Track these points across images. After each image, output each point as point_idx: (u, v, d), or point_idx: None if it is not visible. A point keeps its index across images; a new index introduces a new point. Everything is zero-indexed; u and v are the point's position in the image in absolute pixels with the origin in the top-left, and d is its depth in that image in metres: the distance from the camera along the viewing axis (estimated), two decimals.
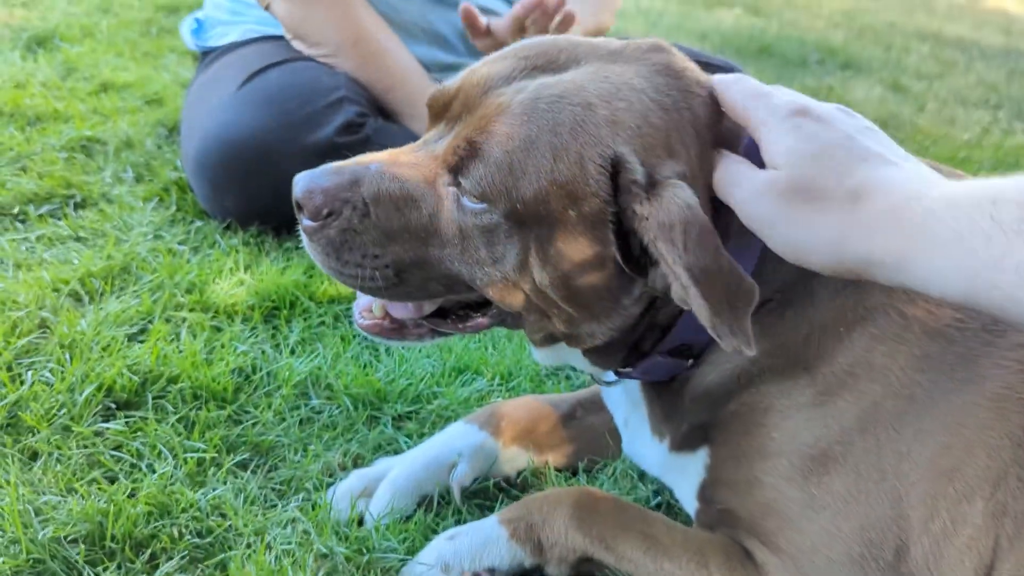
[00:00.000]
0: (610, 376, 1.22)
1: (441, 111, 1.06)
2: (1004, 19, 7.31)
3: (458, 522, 1.25)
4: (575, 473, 1.39)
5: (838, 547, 1.00)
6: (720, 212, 1.01)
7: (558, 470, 1.38)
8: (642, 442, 1.26)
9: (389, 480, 1.27)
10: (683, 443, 1.16)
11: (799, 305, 1.05)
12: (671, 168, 0.97)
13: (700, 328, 0.99)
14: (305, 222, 1.04)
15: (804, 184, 0.88)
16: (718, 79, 1.03)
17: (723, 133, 1.04)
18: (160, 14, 3.75)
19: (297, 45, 2.09)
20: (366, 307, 1.16)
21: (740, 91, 0.99)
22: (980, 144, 3.52)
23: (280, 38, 2.13)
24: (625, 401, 1.27)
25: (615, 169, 0.96)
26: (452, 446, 1.31)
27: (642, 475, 1.37)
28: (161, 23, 3.64)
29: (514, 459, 1.36)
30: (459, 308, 1.14)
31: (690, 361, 1.12)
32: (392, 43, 2.06)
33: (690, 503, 1.18)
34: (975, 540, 0.95)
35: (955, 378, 0.99)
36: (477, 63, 1.07)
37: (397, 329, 1.14)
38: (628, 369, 1.15)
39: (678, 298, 0.96)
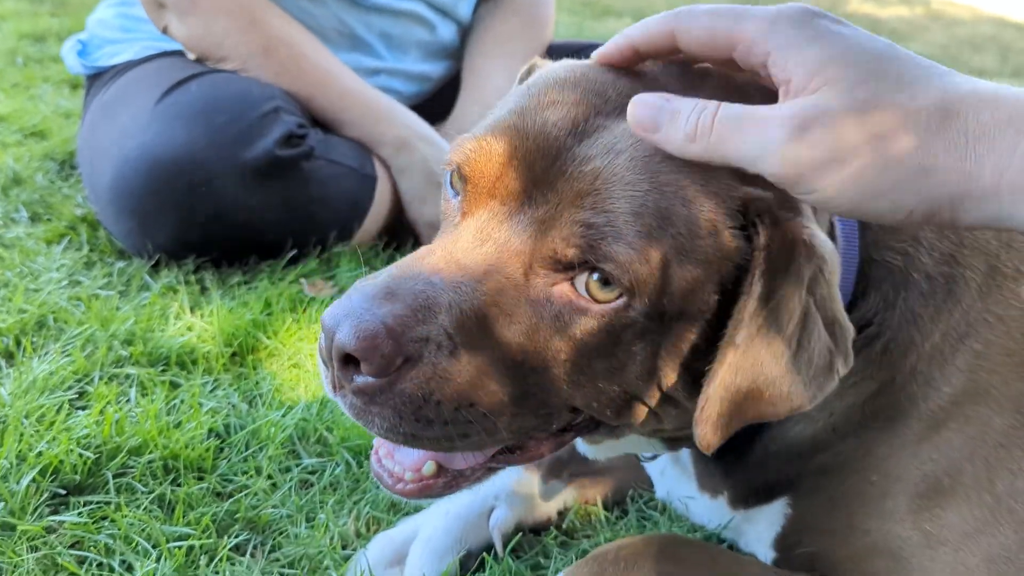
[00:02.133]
0: (652, 452, 1.04)
1: (489, 187, 0.79)
2: (869, 21, 7.63)
3: None
4: (625, 513, 1.20)
5: None
6: None
7: (605, 508, 1.19)
8: (685, 493, 1.10)
9: (421, 540, 1.07)
10: (752, 498, 1.01)
11: (903, 334, 0.90)
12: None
13: None
14: (361, 380, 0.73)
15: (866, 102, 0.65)
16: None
17: None
18: (24, 43, 3.38)
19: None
20: (412, 466, 0.85)
21: (710, 14, 0.73)
22: None
23: (184, 52, 1.89)
24: (662, 458, 1.11)
25: (745, 212, 0.77)
26: (486, 491, 1.11)
27: None
28: (27, 52, 3.27)
29: (554, 493, 1.18)
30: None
31: None
32: (308, 47, 1.86)
33: (763, 552, 1.02)
34: None
35: None
36: (506, 114, 0.81)
37: (450, 483, 0.87)
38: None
39: None
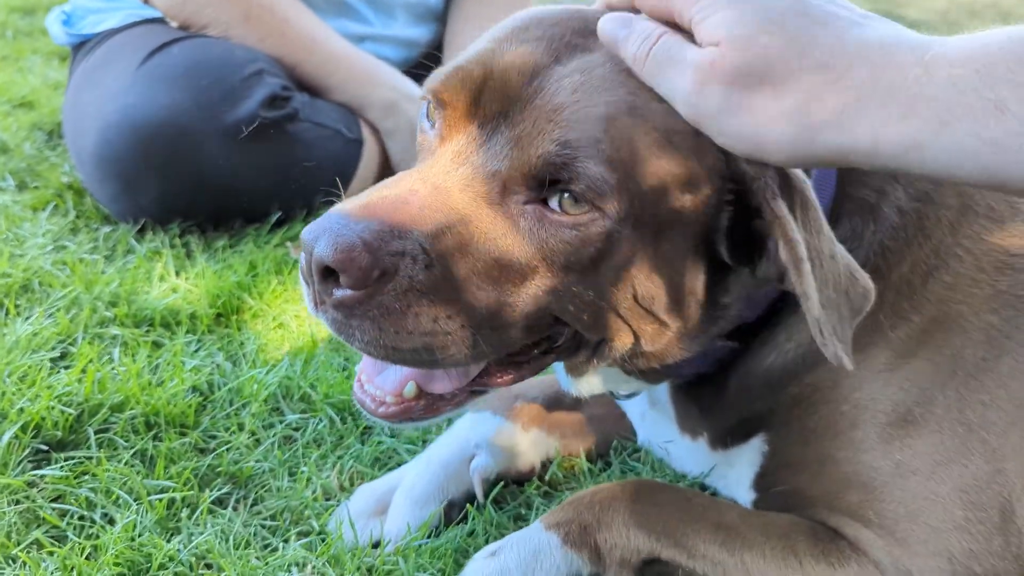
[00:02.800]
0: (632, 390, 1.05)
1: (466, 109, 0.81)
2: None
3: (494, 538, 1.05)
4: (609, 465, 1.21)
5: (938, 513, 0.88)
6: None
7: (588, 461, 1.20)
8: (665, 437, 1.11)
9: (404, 490, 1.07)
10: (730, 438, 1.02)
11: (869, 265, 0.91)
12: None
13: (754, 302, 0.90)
14: (340, 293, 0.75)
15: (755, 61, 0.70)
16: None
17: None
18: (14, 16, 3.36)
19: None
20: (393, 390, 0.86)
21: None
22: None
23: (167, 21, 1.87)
24: (642, 397, 1.11)
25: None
26: (467, 439, 1.12)
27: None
28: (17, 25, 3.26)
29: (537, 444, 1.18)
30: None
31: (738, 344, 0.96)
32: (292, 11, 1.84)
33: (743, 495, 1.03)
34: None
35: None
36: (483, 43, 0.84)
37: (431, 406, 0.87)
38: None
39: (791, 284, 0.79)
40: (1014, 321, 0.90)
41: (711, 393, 1.00)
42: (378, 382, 0.87)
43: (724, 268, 0.86)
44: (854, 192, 0.92)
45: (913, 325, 0.91)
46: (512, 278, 0.79)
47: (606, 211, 0.77)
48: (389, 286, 0.75)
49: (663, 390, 1.07)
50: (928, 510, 0.88)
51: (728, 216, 0.82)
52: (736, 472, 1.03)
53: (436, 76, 0.83)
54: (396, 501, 1.07)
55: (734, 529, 0.95)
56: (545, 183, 0.77)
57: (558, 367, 0.98)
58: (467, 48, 0.86)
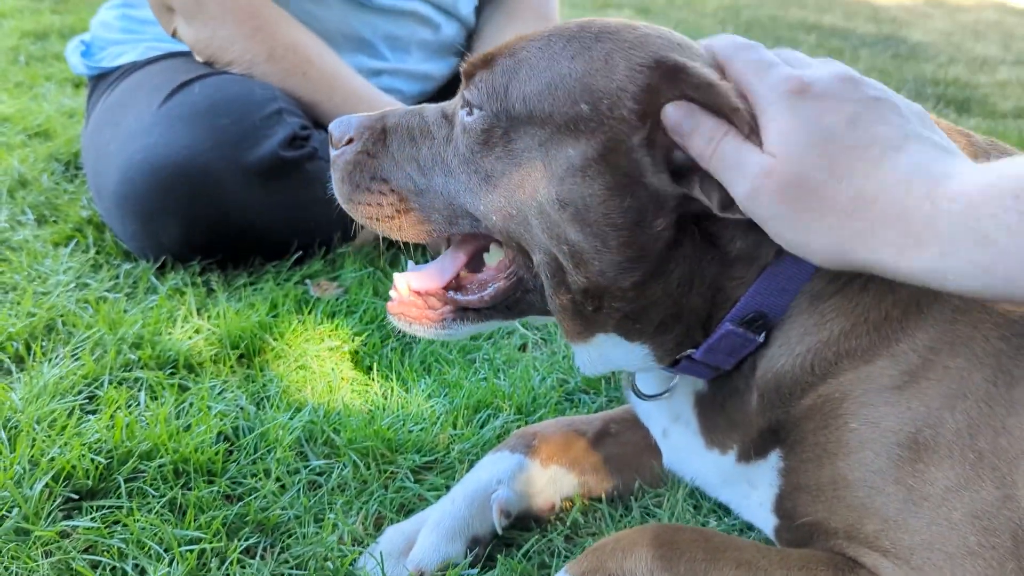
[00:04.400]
0: (655, 387, 1.10)
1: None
2: (869, 8, 7.61)
3: None
4: (629, 510, 1.22)
5: (953, 540, 0.89)
6: None
7: (609, 504, 1.21)
8: (690, 454, 1.12)
9: (430, 525, 1.10)
10: (751, 451, 1.03)
11: (882, 280, 0.93)
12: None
13: (779, 290, 0.95)
14: (331, 152, 1.08)
15: (800, 182, 0.81)
16: (719, 42, 0.93)
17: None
18: (26, 41, 3.39)
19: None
20: (399, 287, 1.09)
21: (744, 61, 0.89)
22: None
23: (188, 53, 1.90)
24: (663, 411, 1.14)
25: (654, 70, 0.90)
26: (489, 477, 1.15)
27: (699, 505, 1.22)
28: (29, 50, 3.29)
29: (557, 480, 1.20)
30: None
31: (761, 336, 0.98)
32: (314, 51, 1.86)
33: (765, 519, 1.05)
34: None
35: None
36: None
37: (418, 315, 1.07)
38: (690, 352, 1.00)
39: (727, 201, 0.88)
40: (982, 360, 0.91)
41: (734, 399, 1.03)
42: (397, 283, 1.09)
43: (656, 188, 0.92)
44: None
45: (919, 343, 0.93)
46: (438, 169, 1.02)
47: (491, 108, 0.96)
48: (351, 147, 1.06)
49: (686, 403, 1.09)
50: (943, 537, 0.89)
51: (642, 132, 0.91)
52: (759, 494, 1.04)
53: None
54: (423, 535, 1.09)
55: (755, 565, 0.97)
56: (467, 89, 0.99)
57: (577, 353, 1.05)
58: None
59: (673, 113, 0.89)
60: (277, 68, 1.80)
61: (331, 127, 1.09)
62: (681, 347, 1.00)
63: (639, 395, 1.13)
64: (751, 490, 1.06)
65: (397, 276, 1.09)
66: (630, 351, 1.01)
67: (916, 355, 0.93)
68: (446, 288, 1.06)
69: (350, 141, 1.07)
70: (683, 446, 1.13)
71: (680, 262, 0.94)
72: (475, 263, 1.08)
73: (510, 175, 0.95)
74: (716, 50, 0.92)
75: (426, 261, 1.15)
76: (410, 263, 1.12)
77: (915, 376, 0.92)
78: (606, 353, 1.02)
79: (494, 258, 1.06)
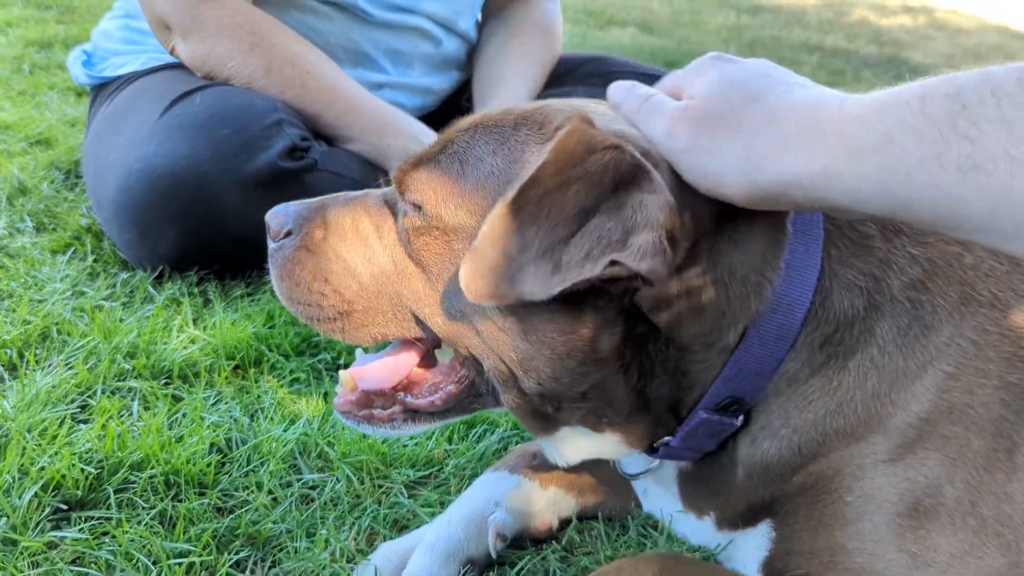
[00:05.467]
0: (638, 465, 1.07)
1: None
2: (871, 30, 7.64)
3: None
4: (626, 530, 1.21)
5: None
6: (766, 231, 0.91)
7: (603, 519, 1.20)
8: (668, 511, 1.11)
9: (425, 546, 1.08)
10: (740, 521, 1.01)
11: (863, 352, 0.92)
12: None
13: (752, 375, 0.92)
14: (269, 244, 1.02)
15: (716, 111, 0.84)
16: (611, 91, 0.99)
17: None
18: (31, 50, 3.39)
19: None
20: (343, 383, 1.04)
21: (636, 98, 0.95)
22: None
23: None
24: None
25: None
26: (487, 497, 1.13)
27: None
28: (33, 59, 3.28)
29: (555, 503, 1.18)
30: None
31: (739, 419, 0.96)
32: (314, 63, 1.86)
33: (751, 574, 1.02)
34: None
35: None
36: None
37: (366, 415, 1.02)
38: (667, 440, 0.98)
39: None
40: (981, 426, 0.89)
41: (718, 475, 1.00)
42: (342, 379, 1.04)
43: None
44: (844, 275, 0.92)
45: (911, 414, 0.90)
46: (383, 269, 0.96)
47: (428, 210, 0.93)
48: (290, 241, 1.00)
49: (668, 472, 1.07)
50: None
51: None
52: (743, 554, 1.02)
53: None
54: (416, 556, 1.07)
55: None
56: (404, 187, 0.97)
57: (545, 447, 1.02)
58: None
59: (614, 90, 0.97)
60: (276, 81, 1.80)
61: (267, 217, 1.03)
62: (654, 435, 0.98)
63: (623, 475, 1.11)
64: (734, 551, 1.04)
65: (342, 373, 1.03)
66: (600, 440, 0.98)
67: (910, 427, 0.90)
68: (395, 389, 1.02)
69: (288, 234, 1.00)
70: (663, 506, 1.12)
71: (636, 354, 0.91)
72: (428, 358, 1.04)
73: (453, 279, 0.90)
74: (610, 99, 0.98)
75: None
76: (358, 351, 1.08)
77: (911, 447, 0.90)
78: (575, 444, 1.00)
79: (447, 354, 1.02)
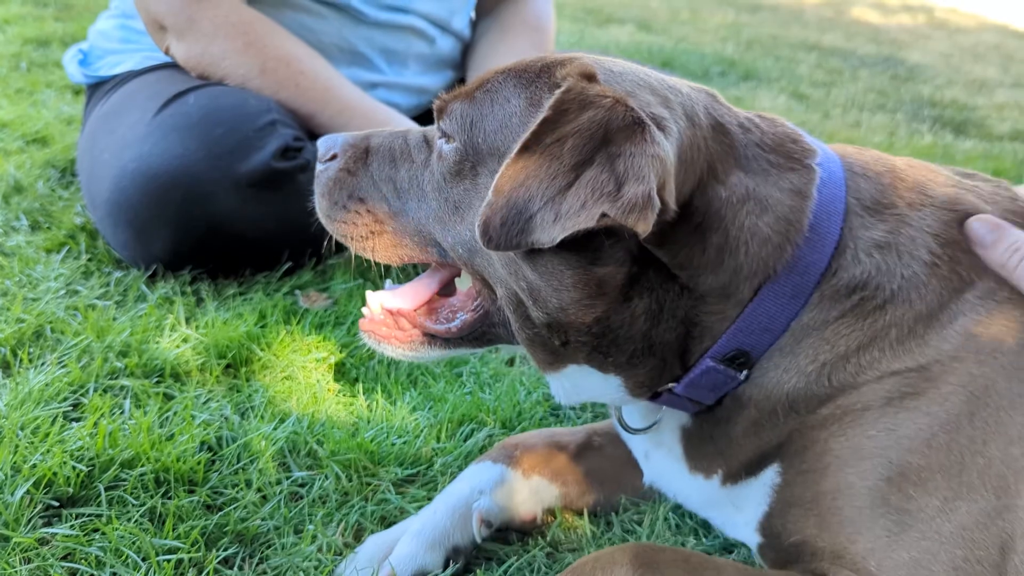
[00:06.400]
0: (641, 420, 1.09)
1: None
2: (870, 29, 7.64)
3: None
4: (611, 526, 1.22)
5: (940, 558, 0.89)
6: (784, 203, 0.95)
7: (588, 516, 1.21)
8: (672, 477, 1.12)
9: (411, 534, 1.11)
10: (741, 472, 1.03)
11: (898, 298, 0.96)
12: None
13: (764, 329, 0.95)
14: (316, 167, 1.11)
15: None
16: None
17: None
18: (28, 47, 3.40)
19: None
20: (371, 306, 1.11)
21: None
22: (892, 146, 3.57)
23: None
24: (645, 436, 1.13)
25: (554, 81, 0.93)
26: (471, 487, 1.17)
27: (680, 524, 1.22)
28: (31, 57, 3.29)
29: (538, 491, 1.21)
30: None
31: (743, 374, 0.98)
32: (308, 63, 1.87)
33: (750, 538, 1.05)
34: None
35: None
36: None
37: (386, 335, 1.09)
38: (671, 385, 1.00)
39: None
40: (1008, 370, 0.93)
41: (723, 428, 1.02)
42: (370, 301, 1.11)
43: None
44: (867, 237, 0.97)
45: (944, 353, 0.94)
46: (414, 194, 1.03)
47: (460, 139, 0.98)
48: (333, 164, 1.09)
49: (669, 432, 1.09)
50: (929, 557, 0.89)
51: None
52: (744, 515, 1.04)
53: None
54: (403, 542, 1.10)
55: None
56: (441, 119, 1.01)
57: (551, 383, 1.04)
58: None
59: (979, 227, 0.97)
60: (270, 81, 1.81)
61: (319, 142, 1.12)
62: (658, 380, 1.00)
63: (625, 428, 1.13)
64: (736, 512, 1.06)
65: (370, 295, 1.11)
66: (604, 382, 1.01)
67: (940, 365, 0.93)
68: (416, 310, 1.08)
69: (333, 157, 1.09)
70: (665, 470, 1.14)
71: (643, 296, 0.94)
72: (449, 287, 1.10)
73: (475, 208, 0.95)
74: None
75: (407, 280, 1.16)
76: (387, 282, 1.14)
77: (937, 383, 0.93)
78: (579, 383, 1.02)
79: (465, 283, 1.08)
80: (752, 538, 1.04)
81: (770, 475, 1.00)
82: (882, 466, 0.92)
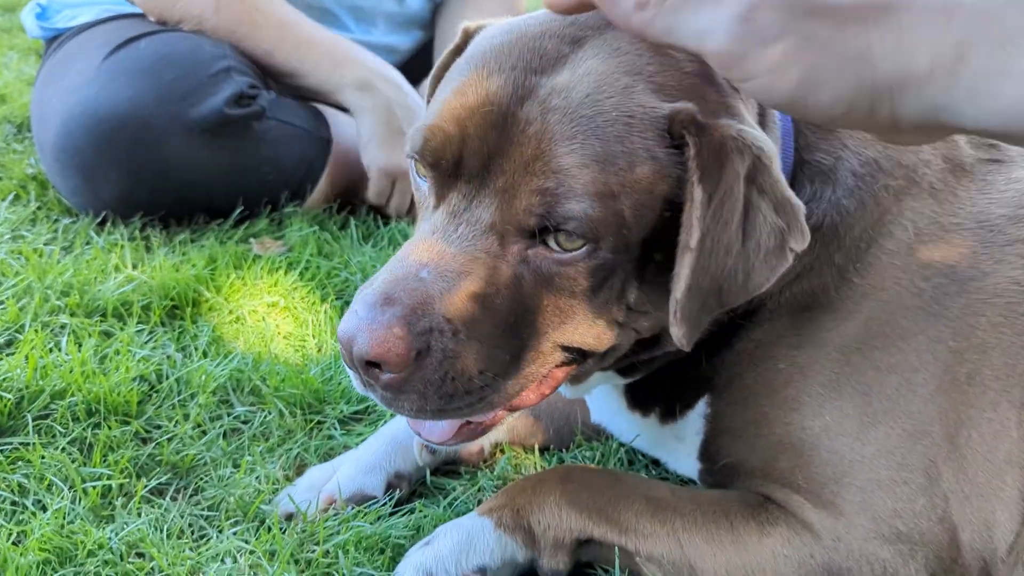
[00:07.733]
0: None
1: (451, 170, 0.84)
2: None
3: None
4: (562, 463, 1.19)
5: (864, 472, 0.90)
6: None
7: (539, 452, 1.18)
8: (614, 413, 1.12)
9: (350, 459, 1.10)
10: (679, 407, 1.02)
11: (828, 226, 0.94)
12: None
13: None
14: (386, 377, 0.81)
15: None
16: None
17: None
18: None
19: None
20: (440, 435, 0.93)
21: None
22: None
23: (144, 16, 1.86)
24: None
25: (671, 128, 0.81)
26: None
27: (632, 460, 1.19)
28: None
29: None
30: None
31: None
32: (263, 1, 1.82)
33: (691, 467, 1.05)
34: (1016, 455, 0.88)
35: (957, 279, 0.92)
36: (450, 95, 0.85)
37: (476, 428, 0.93)
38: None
39: None
40: (944, 289, 0.92)
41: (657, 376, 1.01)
42: (425, 433, 0.92)
43: None
44: (810, 157, 0.95)
45: (855, 288, 0.93)
46: (529, 321, 0.83)
47: (600, 240, 0.80)
48: (426, 361, 0.80)
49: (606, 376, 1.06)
50: (854, 471, 0.90)
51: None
52: (686, 446, 1.04)
53: (415, 137, 0.85)
54: (343, 467, 1.08)
55: (665, 501, 0.97)
56: (536, 230, 0.80)
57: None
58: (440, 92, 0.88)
59: None
60: (225, 19, 1.77)
61: (364, 348, 0.79)
62: None
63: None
64: (679, 444, 1.05)
65: (433, 428, 0.93)
66: (606, 374, 1.00)
67: (851, 301, 0.93)
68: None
69: (418, 355, 0.80)
70: (607, 408, 1.13)
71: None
72: None
73: (605, 293, 0.86)
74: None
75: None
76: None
77: (846, 320, 0.93)
78: (592, 384, 1.01)
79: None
80: (694, 467, 1.04)
81: (701, 408, 1.00)
82: (793, 395, 0.93)
